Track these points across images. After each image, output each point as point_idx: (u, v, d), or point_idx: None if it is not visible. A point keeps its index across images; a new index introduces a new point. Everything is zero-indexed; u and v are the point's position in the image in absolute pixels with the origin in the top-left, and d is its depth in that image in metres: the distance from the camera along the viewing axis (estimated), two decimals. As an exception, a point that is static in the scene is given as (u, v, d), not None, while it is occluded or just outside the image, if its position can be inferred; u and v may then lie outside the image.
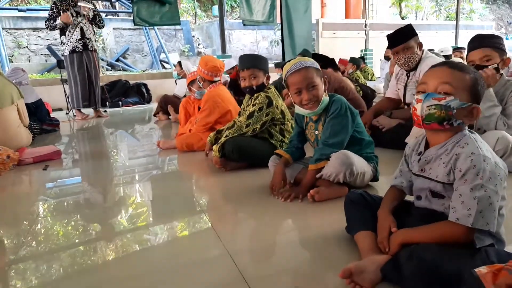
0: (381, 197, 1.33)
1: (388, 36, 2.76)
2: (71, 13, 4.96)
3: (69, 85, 5.37)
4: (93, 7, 5.16)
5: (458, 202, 1.02)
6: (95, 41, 5.28)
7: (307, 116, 1.94)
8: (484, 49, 2.09)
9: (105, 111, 6.06)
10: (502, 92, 2.15)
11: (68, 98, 5.77)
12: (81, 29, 5.02)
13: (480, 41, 2.13)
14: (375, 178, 1.94)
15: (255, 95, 2.43)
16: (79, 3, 4.98)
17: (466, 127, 1.12)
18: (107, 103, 6.94)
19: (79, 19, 5.00)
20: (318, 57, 5.25)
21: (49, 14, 5.05)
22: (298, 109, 1.88)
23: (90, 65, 5.18)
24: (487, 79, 2.05)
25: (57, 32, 5.20)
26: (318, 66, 1.85)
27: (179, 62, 5.78)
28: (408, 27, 2.73)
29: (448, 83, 1.07)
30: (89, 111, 5.61)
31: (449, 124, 1.07)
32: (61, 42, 5.22)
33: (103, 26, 5.41)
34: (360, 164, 1.80)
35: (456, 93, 1.06)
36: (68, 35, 5.06)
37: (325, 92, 1.84)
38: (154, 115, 5.34)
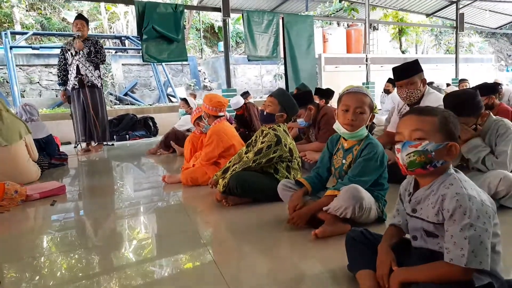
0: (381, 235, 1.35)
1: (394, 69, 2.79)
2: (71, 53, 5.21)
3: (73, 121, 5.59)
4: (90, 46, 5.22)
5: (451, 242, 1.04)
6: (99, 77, 5.37)
7: (342, 136, 1.98)
8: (460, 118, 2.08)
9: (112, 144, 6.18)
10: (490, 133, 2.17)
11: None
12: (77, 66, 5.24)
13: (459, 111, 2.02)
14: (380, 219, 1.95)
15: (265, 132, 2.50)
16: (75, 41, 5.20)
17: (451, 167, 1.15)
18: (114, 136, 7.09)
19: (77, 57, 5.22)
20: (320, 91, 5.37)
21: (58, 61, 5.36)
22: (336, 126, 1.94)
23: (86, 101, 5.33)
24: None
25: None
26: (374, 102, 1.96)
27: (185, 99, 5.86)
28: (414, 63, 2.75)
29: (419, 129, 1.12)
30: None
31: (433, 166, 1.11)
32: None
33: (100, 61, 5.31)
34: (368, 199, 1.82)
35: (429, 136, 1.11)
36: (70, 74, 5.30)
37: (367, 127, 1.91)
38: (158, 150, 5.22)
